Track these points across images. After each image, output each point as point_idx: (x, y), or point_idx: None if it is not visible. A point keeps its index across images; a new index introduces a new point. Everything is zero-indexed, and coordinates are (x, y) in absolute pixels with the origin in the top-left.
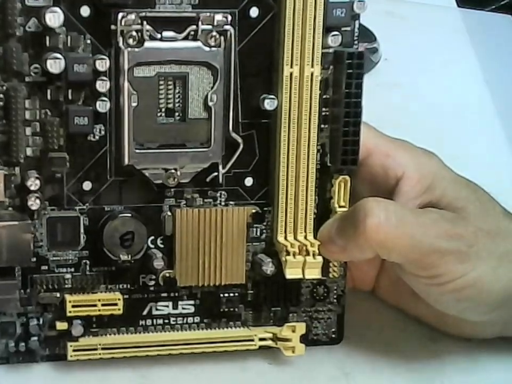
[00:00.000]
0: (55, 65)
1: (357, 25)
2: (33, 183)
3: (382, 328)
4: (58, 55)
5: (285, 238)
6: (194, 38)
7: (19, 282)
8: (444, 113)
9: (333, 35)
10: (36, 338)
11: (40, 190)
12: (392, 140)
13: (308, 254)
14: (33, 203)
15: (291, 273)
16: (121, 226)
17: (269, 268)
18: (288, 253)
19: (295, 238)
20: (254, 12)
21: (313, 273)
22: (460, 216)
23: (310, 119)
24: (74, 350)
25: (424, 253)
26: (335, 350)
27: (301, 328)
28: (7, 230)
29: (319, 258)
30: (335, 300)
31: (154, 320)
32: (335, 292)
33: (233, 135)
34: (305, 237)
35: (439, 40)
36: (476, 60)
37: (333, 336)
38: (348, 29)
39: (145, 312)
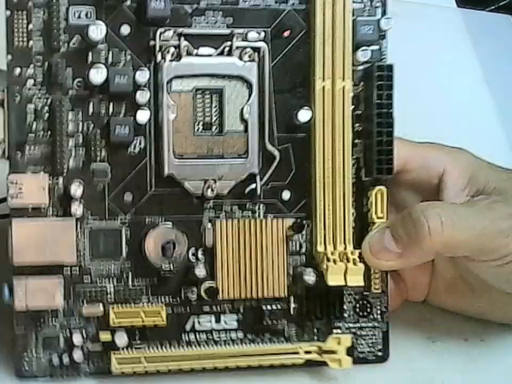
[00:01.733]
0: (97, 75)
1: (384, 42)
2: (77, 190)
3: None
4: (101, 65)
5: (325, 248)
6: (229, 54)
7: (63, 279)
8: (444, 113)
9: (362, 50)
10: (79, 350)
11: (82, 198)
12: (423, 143)
13: (348, 261)
14: (77, 210)
15: (333, 279)
16: (162, 236)
17: (310, 277)
18: (328, 260)
19: (335, 249)
20: (286, 31)
21: (356, 280)
22: (508, 196)
23: (343, 130)
24: (119, 363)
25: (489, 238)
26: None
27: (347, 340)
28: (52, 227)
29: (361, 265)
30: (379, 316)
31: (198, 335)
32: (378, 307)
33: (270, 147)
34: (345, 248)
35: (439, 40)
36: (476, 60)
37: (380, 354)
38: (377, 46)
39: (188, 327)
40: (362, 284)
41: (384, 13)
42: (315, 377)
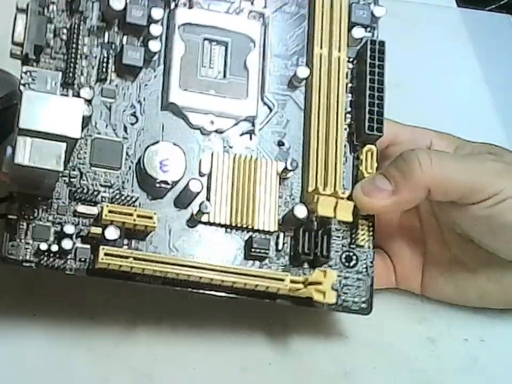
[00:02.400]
0: (117, 2)
1: (376, 32)
2: (87, 94)
3: (382, 328)
4: None
5: (316, 187)
6: (237, 13)
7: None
8: (443, 113)
9: (357, 28)
10: (69, 239)
11: (90, 104)
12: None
13: (338, 199)
14: (85, 110)
15: (323, 211)
16: (162, 151)
17: (301, 212)
18: (320, 194)
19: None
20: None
21: (345, 216)
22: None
23: (338, 93)
24: (106, 254)
25: (477, 174)
26: (335, 349)
27: (332, 275)
28: (60, 101)
29: (350, 202)
30: (364, 270)
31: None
32: (364, 261)
33: (269, 96)
34: (334, 189)
35: (439, 40)
36: (476, 60)
37: (363, 305)
38: (369, 33)
39: (177, 244)
40: (350, 219)
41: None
42: None
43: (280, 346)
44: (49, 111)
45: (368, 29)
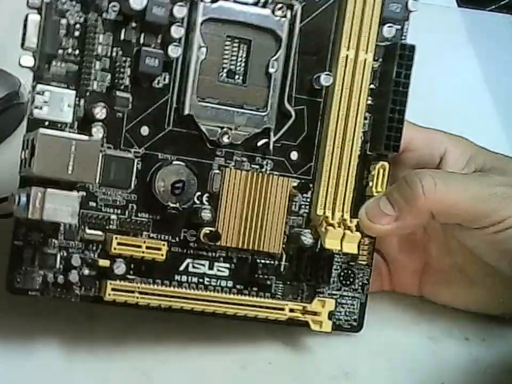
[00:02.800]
0: (137, 1)
1: (407, 23)
2: (100, 113)
3: (382, 328)
4: None
5: (324, 213)
6: (264, 6)
7: (81, 196)
8: (443, 113)
9: (388, 26)
10: (76, 272)
11: (104, 121)
12: (425, 128)
13: (346, 228)
14: (97, 132)
15: (330, 243)
16: (174, 174)
17: (307, 238)
18: (328, 224)
19: (333, 215)
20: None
21: (351, 247)
22: (505, 171)
23: (359, 101)
24: (113, 289)
25: (482, 200)
26: (335, 349)
27: (330, 304)
28: (77, 144)
29: (357, 234)
30: (359, 288)
31: (190, 278)
32: (360, 279)
33: (287, 105)
34: (342, 216)
35: (439, 40)
36: (476, 60)
37: (354, 324)
38: (399, 26)
39: (182, 268)
40: (356, 252)
41: None
42: None
43: (280, 346)
44: (65, 155)
45: (399, 23)
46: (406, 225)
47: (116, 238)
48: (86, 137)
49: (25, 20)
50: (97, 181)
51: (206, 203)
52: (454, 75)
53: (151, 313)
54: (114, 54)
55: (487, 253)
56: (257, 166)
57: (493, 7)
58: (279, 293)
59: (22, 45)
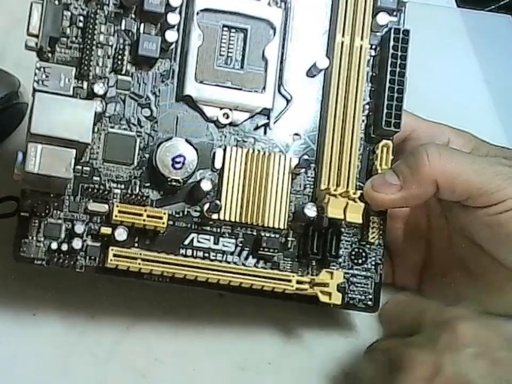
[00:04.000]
0: None
1: (402, 15)
2: (100, 89)
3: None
4: None
5: (328, 187)
6: None
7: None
8: (443, 113)
9: (382, 14)
10: (79, 239)
11: (104, 99)
12: (429, 120)
13: (350, 199)
14: (98, 106)
15: (332, 212)
16: (174, 148)
17: (310, 210)
18: (331, 195)
19: (337, 187)
20: None
21: (355, 217)
22: (508, 157)
23: (357, 84)
24: (115, 255)
25: (487, 176)
26: (335, 349)
27: (339, 275)
28: (71, 105)
29: (361, 204)
30: (372, 267)
31: (195, 252)
32: (373, 258)
33: (286, 88)
34: (347, 189)
35: (439, 40)
36: (476, 60)
37: (369, 303)
38: (395, 18)
39: (187, 242)
40: (360, 221)
41: None
42: None
43: (280, 346)
44: (61, 114)
45: (394, 13)
46: (411, 195)
47: (117, 206)
48: (80, 100)
49: (30, 9)
50: (90, 139)
51: (209, 177)
52: (453, 75)
53: (150, 313)
54: (115, 42)
55: (487, 237)
56: (258, 147)
57: (493, 7)
58: (288, 270)
59: (27, 30)
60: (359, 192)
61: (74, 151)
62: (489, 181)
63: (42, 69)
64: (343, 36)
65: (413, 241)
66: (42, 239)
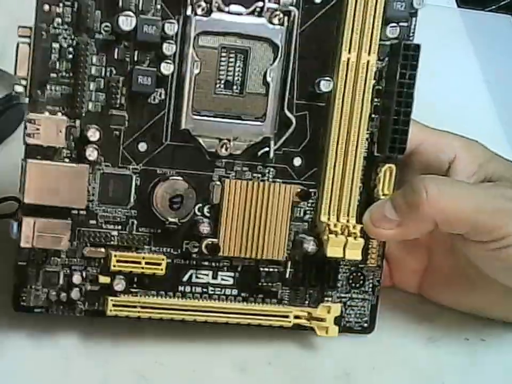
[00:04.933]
0: (126, 22)
1: (414, 21)
2: (93, 134)
3: (382, 328)
4: (131, 13)
5: (328, 219)
6: (260, 15)
7: (71, 223)
8: (443, 113)
9: (392, 26)
10: (77, 289)
11: (97, 143)
12: (438, 130)
13: (349, 235)
14: (91, 154)
15: (332, 251)
16: (171, 189)
17: (310, 246)
18: (330, 232)
19: (338, 221)
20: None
21: (354, 254)
22: None
23: (362, 104)
24: (114, 305)
25: (487, 214)
26: (336, 350)
27: (336, 309)
28: (66, 171)
29: (361, 240)
30: (370, 289)
31: (194, 288)
32: (371, 280)
33: (287, 113)
34: (348, 221)
35: (439, 40)
36: (476, 60)
37: (365, 325)
38: (406, 24)
39: (185, 279)
40: (359, 258)
41: None
42: None
43: (280, 346)
44: (55, 182)
45: (403, 22)
46: (408, 232)
47: (115, 255)
48: (74, 165)
49: (16, 49)
50: (85, 206)
51: (207, 215)
52: (453, 75)
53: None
54: (108, 73)
55: (488, 266)
56: (259, 175)
57: (493, 7)
58: (286, 300)
59: (15, 73)
60: (359, 226)
61: (70, 222)
62: (488, 219)
63: (33, 122)
64: (349, 52)
65: (413, 247)
66: (40, 287)
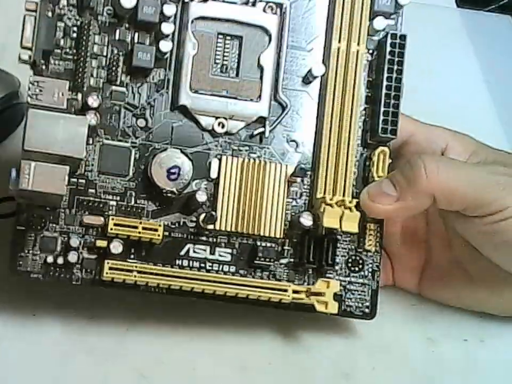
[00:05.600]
0: (128, 0)
1: (400, 18)
2: (94, 102)
3: (382, 328)
4: None
5: (324, 195)
6: (254, 4)
7: (68, 168)
8: (443, 113)
9: (379, 19)
10: (75, 252)
11: (98, 111)
12: (427, 124)
13: (346, 208)
14: (91, 120)
15: (328, 222)
16: (169, 159)
17: (306, 220)
18: (326, 204)
19: (333, 196)
20: None
21: (350, 226)
22: (507, 163)
23: (354, 90)
24: (110, 268)
25: (485, 187)
26: (335, 349)
27: (335, 285)
28: (65, 121)
29: (357, 213)
30: (369, 274)
31: (191, 262)
32: (370, 265)
33: (282, 96)
34: (344, 196)
35: (439, 40)
36: (476, 60)
37: (366, 311)
38: (392, 21)
39: (182, 252)
40: (356, 230)
41: None
42: None
43: (280, 346)
44: (54, 130)
45: (391, 17)
46: (407, 207)
47: (113, 218)
48: (73, 115)
49: (23, 21)
50: (84, 154)
51: (204, 188)
52: (453, 75)
53: (150, 313)
54: (109, 53)
55: (485, 244)
56: (254, 155)
57: (492, 7)
58: (284, 278)
59: (21, 43)
60: (355, 201)
61: (68, 167)
62: (487, 192)
63: (36, 83)
64: (339, 41)
65: (412, 244)
66: (38, 252)
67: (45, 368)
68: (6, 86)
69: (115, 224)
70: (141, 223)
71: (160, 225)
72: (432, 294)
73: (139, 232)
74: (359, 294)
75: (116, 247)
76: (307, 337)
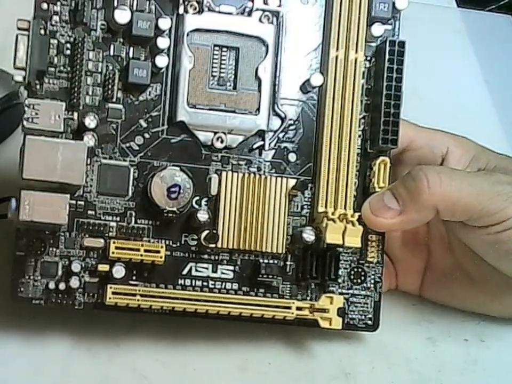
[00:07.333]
0: (122, 15)
1: (398, 23)
2: (91, 122)
3: (382, 329)
4: (126, 7)
5: (325, 209)
6: (249, 14)
7: (68, 197)
8: (443, 113)
9: (377, 26)
10: (76, 278)
11: (95, 132)
12: (427, 128)
13: (348, 222)
14: (89, 141)
15: (331, 238)
16: (169, 178)
17: (309, 236)
18: (329, 219)
19: (335, 210)
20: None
21: (353, 241)
22: (508, 170)
23: (353, 98)
24: (113, 293)
25: (487, 198)
26: (335, 350)
27: (339, 300)
28: (63, 148)
29: (360, 227)
30: (372, 286)
31: (194, 281)
32: (372, 277)
33: (281, 108)
34: (345, 211)
35: (439, 40)
36: (476, 60)
37: (369, 323)
38: (390, 26)
39: (185, 272)
40: (359, 245)
41: None
42: None
43: (280, 346)
44: (53, 158)
45: (389, 22)
46: (410, 220)
47: (114, 242)
48: (72, 141)
49: (16, 41)
50: (83, 182)
51: (205, 206)
52: (453, 75)
53: (151, 314)
54: (104, 69)
55: (488, 253)
56: (254, 169)
57: (493, 7)
58: (287, 294)
59: (14, 64)
60: (357, 214)
61: (68, 195)
62: (489, 203)
63: (31, 106)
64: (337, 49)
65: (413, 248)
66: (39, 277)
67: (45, 368)
68: (6, 86)
69: (116, 248)
70: (142, 245)
71: (162, 247)
72: (433, 296)
73: (141, 255)
74: (361, 306)
75: (118, 271)
76: (307, 337)
